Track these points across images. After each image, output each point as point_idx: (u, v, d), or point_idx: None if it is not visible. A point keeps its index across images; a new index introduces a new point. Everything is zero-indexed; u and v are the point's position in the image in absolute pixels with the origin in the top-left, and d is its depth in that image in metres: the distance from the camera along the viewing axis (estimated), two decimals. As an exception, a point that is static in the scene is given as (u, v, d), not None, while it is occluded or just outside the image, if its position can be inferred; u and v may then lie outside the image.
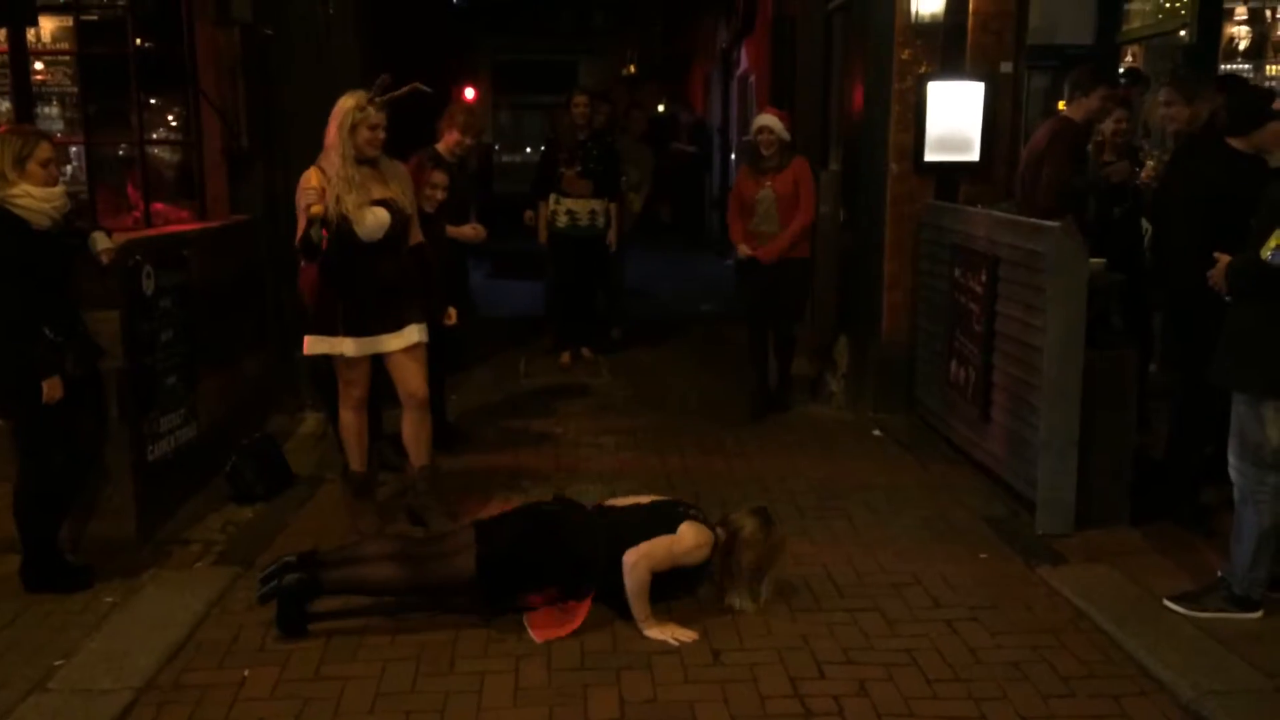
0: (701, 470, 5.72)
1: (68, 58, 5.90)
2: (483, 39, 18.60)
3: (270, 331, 6.27)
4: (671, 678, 3.61)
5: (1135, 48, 7.36)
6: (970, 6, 6.30)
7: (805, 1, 8.85)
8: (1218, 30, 6.61)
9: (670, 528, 3.97)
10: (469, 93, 14.96)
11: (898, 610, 4.11)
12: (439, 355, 5.28)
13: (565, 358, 8.12)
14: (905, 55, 6.34)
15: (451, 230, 5.75)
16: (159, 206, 5.88)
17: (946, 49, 6.32)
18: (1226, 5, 6.87)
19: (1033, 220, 5.06)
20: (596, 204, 7.89)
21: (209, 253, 5.53)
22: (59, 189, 4.10)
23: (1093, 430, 4.71)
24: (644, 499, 4.31)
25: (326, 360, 4.80)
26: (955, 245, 5.77)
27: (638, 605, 3.89)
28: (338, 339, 4.66)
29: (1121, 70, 7.08)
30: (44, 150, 4.04)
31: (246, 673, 3.65)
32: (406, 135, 5.22)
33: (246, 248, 6.06)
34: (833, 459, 5.96)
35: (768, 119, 6.48)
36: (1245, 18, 7.31)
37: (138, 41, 5.71)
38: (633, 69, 19.82)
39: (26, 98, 5.38)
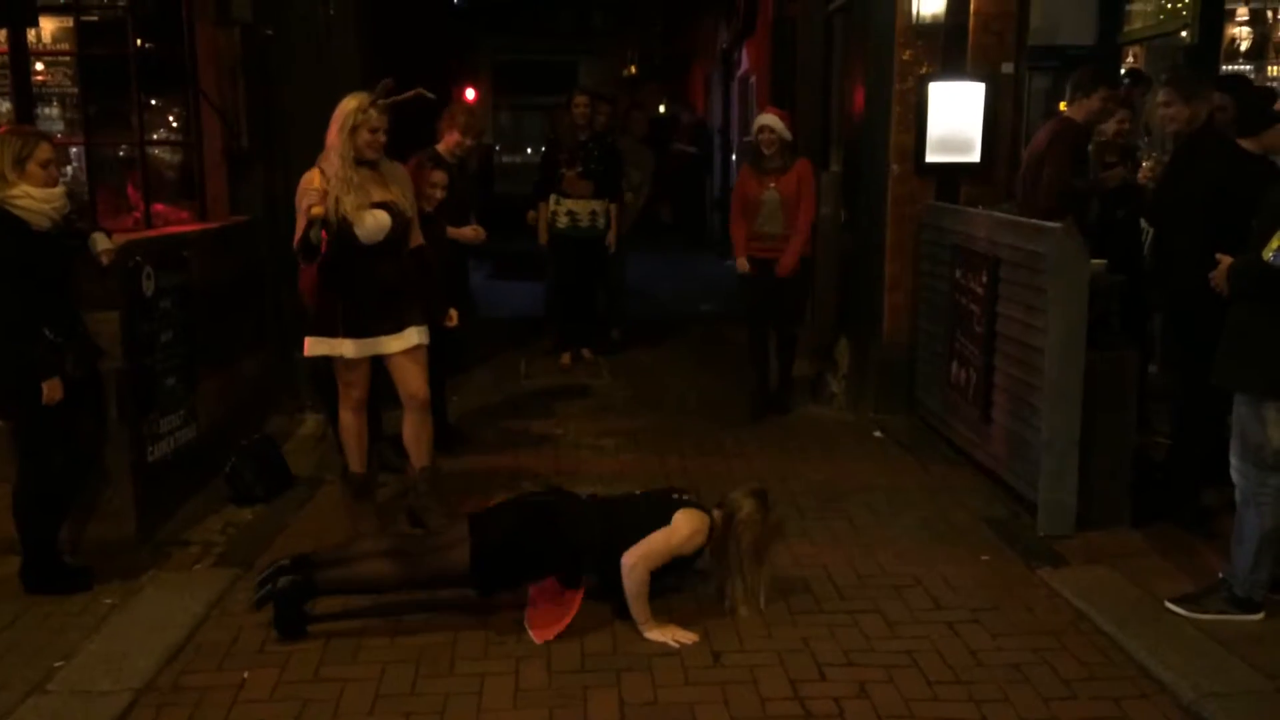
0: (702, 471, 5.71)
1: (68, 58, 5.91)
2: (483, 39, 18.61)
3: (270, 332, 6.27)
4: (672, 679, 3.61)
5: (1136, 48, 7.35)
6: (971, 7, 6.30)
7: (806, 2, 8.86)
8: (1219, 31, 6.59)
9: (665, 517, 3.95)
10: (469, 93, 14.97)
11: (898, 612, 4.10)
12: (439, 357, 5.27)
13: (565, 359, 8.12)
14: (906, 56, 6.34)
15: (452, 231, 5.75)
16: (159, 207, 5.88)
17: (947, 50, 6.32)
18: (1228, 6, 6.85)
19: (1034, 221, 5.06)
20: (597, 205, 7.89)
21: (209, 254, 5.53)
22: (59, 190, 4.10)
23: (1094, 431, 4.71)
24: (638, 491, 4.29)
25: (326, 361, 4.80)
26: (956, 246, 5.77)
27: (637, 607, 3.88)
28: (337, 340, 4.66)
29: (1123, 71, 7.07)
30: (44, 151, 4.04)
31: (246, 674, 3.64)
32: (407, 137, 5.21)
33: (247, 249, 6.06)
34: (833, 460, 5.95)
35: (768, 118, 6.49)
36: (1247, 18, 7.30)
37: (138, 42, 5.71)
38: (633, 69, 19.82)
39: (27, 98, 5.37)
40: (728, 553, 4.02)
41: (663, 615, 3.95)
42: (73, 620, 4.00)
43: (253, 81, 6.07)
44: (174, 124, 6.23)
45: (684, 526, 3.94)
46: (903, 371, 6.54)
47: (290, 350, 5.70)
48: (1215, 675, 3.55)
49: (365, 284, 4.62)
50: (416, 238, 4.87)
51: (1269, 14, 7.34)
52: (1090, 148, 5.65)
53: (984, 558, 4.61)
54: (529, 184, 8.39)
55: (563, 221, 7.89)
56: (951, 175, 6.40)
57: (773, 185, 6.46)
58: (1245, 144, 4.41)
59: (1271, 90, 5.69)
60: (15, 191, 3.95)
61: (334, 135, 4.55)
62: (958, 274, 5.71)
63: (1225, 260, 3.93)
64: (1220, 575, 4.04)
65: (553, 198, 7.89)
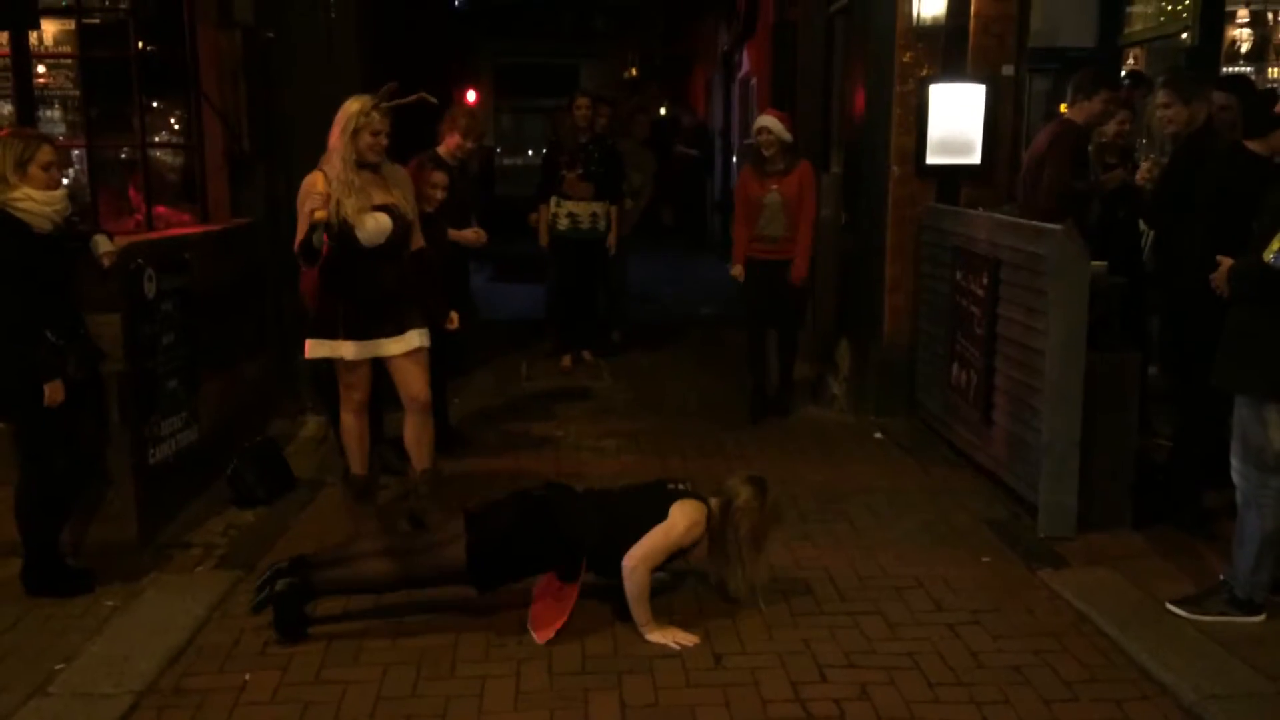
0: (703, 473, 5.67)
1: (70, 61, 5.92)
2: (484, 42, 18.63)
3: (271, 335, 6.27)
4: (673, 681, 3.61)
5: (1137, 50, 7.35)
6: (972, 9, 6.30)
7: (806, 4, 8.87)
8: (1220, 33, 6.59)
9: (661, 508, 3.93)
10: (470, 96, 14.98)
11: (899, 614, 4.10)
12: (440, 359, 5.28)
13: (566, 361, 8.12)
14: (906, 58, 6.34)
15: (453, 234, 5.75)
16: (161, 210, 5.89)
17: (948, 52, 6.32)
18: (1229, 8, 6.86)
19: (1034, 223, 5.06)
20: (598, 207, 7.90)
21: (210, 256, 5.54)
22: (60, 192, 4.10)
23: (1094, 433, 4.71)
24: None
25: (327, 364, 4.81)
26: (957, 248, 5.77)
27: (639, 609, 3.88)
28: (338, 342, 4.66)
29: (1124, 73, 7.07)
30: (45, 153, 4.04)
31: (247, 677, 3.64)
32: (408, 139, 5.22)
33: (248, 251, 6.06)
34: (834, 462, 5.96)
35: (767, 120, 6.51)
36: (1247, 20, 7.30)
37: (139, 45, 5.72)
38: (634, 72, 19.83)
39: (28, 101, 5.37)
40: (726, 541, 3.99)
41: (664, 617, 3.95)
42: (74, 622, 4.00)
43: (254, 84, 6.07)
44: (176, 126, 6.24)
45: (681, 520, 3.92)
46: (903, 373, 6.54)
47: (292, 352, 5.70)
48: (1216, 677, 3.55)
49: (366, 286, 4.62)
50: (417, 240, 4.88)
51: (1269, 16, 7.35)
52: (1090, 149, 5.66)
53: (985, 559, 4.61)
54: (530, 186, 8.39)
55: (563, 224, 7.90)
56: (952, 177, 6.40)
57: (775, 187, 6.47)
58: (1253, 146, 4.39)
59: (1274, 92, 5.69)
60: (17, 194, 3.95)
61: (336, 138, 4.55)
62: (958, 276, 5.72)
63: (1226, 262, 3.93)
64: (1221, 577, 4.04)
65: (553, 200, 7.90)
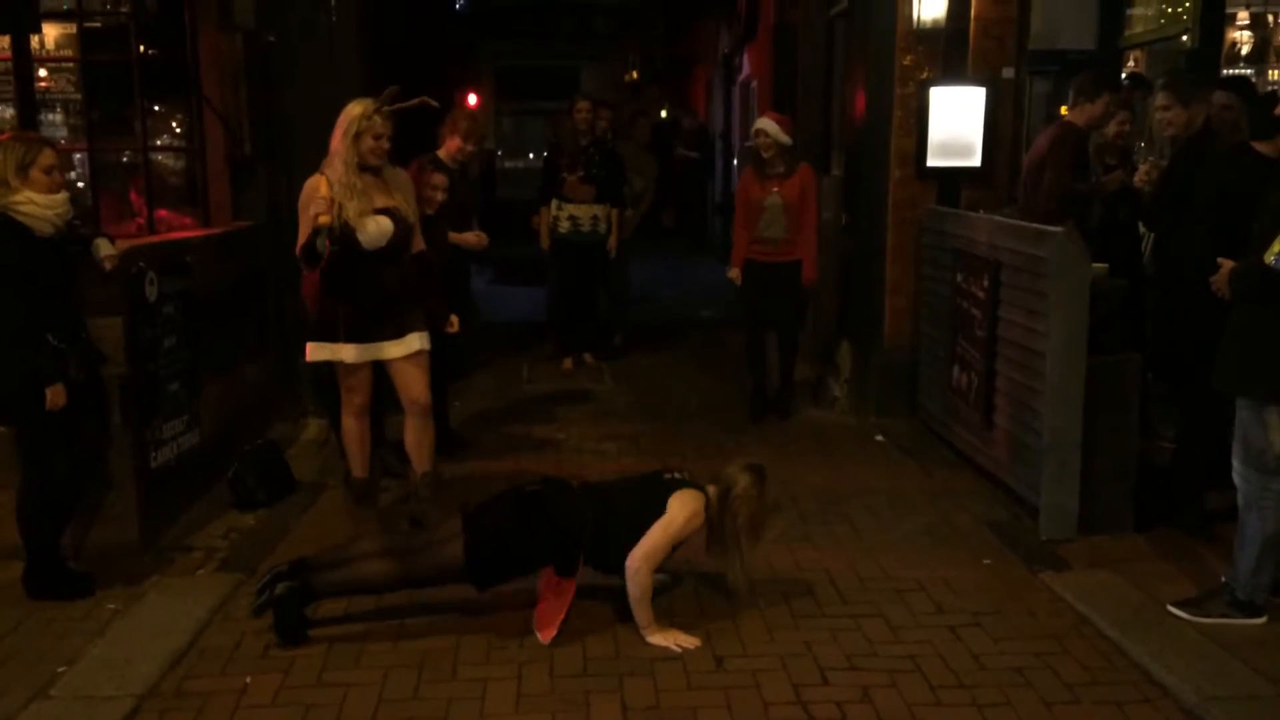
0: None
1: (71, 65, 5.92)
2: (485, 45, 18.67)
3: (272, 338, 6.27)
4: (674, 684, 3.61)
5: (1137, 53, 7.36)
6: (972, 12, 6.31)
7: (807, 7, 8.87)
8: (1220, 35, 6.60)
9: (659, 499, 3.92)
10: (471, 99, 15.00)
11: (901, 616, 4.10)
12: (441, 362, 5.28)
13: (567, 363, 8.12)
14: (907, 61, 6.34)
15: (454, 237, 5.76)
16: (162, 213, 5.89)
17: (948, 54, 6.32)
18: (1229, 10, 6.87)
19: (1035, 225, 5.06)
20: (599, 209, 7.90)
21: (212, 259, 5.54)
22: (62, 196, 4.10)
23: (1095, 435, 4.71)
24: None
25: (328, 367, 4.81)
26: (957, 250, 5.77)
27: (640, 611, 3.88)
28: (339, 345, 4.67)
29: (1124, 75, 7.08)
30: (47, 157, 4.05)
31: (249, 680, 3.64)
32: (408, 142, 5.22)
33: (249, 254, 6.07)
34: (835, 464, 5.96)
35: (764, 122, 6.52)
36: (1247, 22, 7.31)
37: (141, 48, 5.72)
38: (635, 74, 19.85)
39: (30, 104, 5.39)
40: (724, 530, 3.96)
41: (665, 619, 3.95)
42: (75, 625, 4.01)
43: (255, 87, 6.08)
44: (177, 130, 6.24)
45: (680, 513, 3.90)
46: (904, 375, 6.54)
47: (293, 355, 5.70)
48: (1218, 679, 3.55)
49: (367, 289, 4.63)
50: (418, 244, 4.88)
51: (1270, 18, 7.36)
52: (1091, 150, 5.66)
53: (986, 561, 4.60)
54: (531, 189, 8.38)
55: (564, 226, 7.90)
56: (952, 179, 6.40)
57: (776, 190, 6.47)
58: (1260, 147, 4.37)
59: (1274, 94, 5.69)
60: (19, 198, 3.95)
61: (338, 141, 4.56)
62: (959, 278, 5.72)
63: (1226, 264, 3.93)
64: (1222, 579, 4.04)
65: (554, 202, 7.90)
